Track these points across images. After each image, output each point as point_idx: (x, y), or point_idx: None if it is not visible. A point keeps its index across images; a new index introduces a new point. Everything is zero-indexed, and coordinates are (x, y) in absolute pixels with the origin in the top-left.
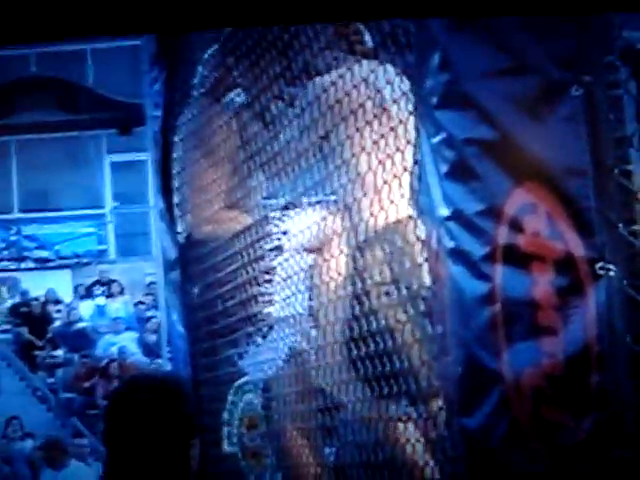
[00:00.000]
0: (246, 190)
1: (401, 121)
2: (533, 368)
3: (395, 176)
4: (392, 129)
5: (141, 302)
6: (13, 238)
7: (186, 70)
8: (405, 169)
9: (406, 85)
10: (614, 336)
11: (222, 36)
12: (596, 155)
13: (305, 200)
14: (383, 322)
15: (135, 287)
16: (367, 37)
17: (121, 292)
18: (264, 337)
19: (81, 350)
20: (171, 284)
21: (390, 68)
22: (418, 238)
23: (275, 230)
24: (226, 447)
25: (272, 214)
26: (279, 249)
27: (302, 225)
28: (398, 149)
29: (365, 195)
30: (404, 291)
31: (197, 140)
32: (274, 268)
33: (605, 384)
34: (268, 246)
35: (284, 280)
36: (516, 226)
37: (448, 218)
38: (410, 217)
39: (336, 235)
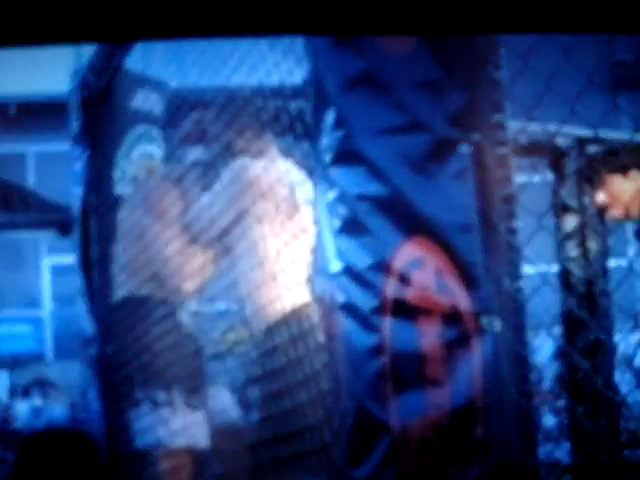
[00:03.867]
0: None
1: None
2: (420, 419)
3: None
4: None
5: (75, 404)
6: None
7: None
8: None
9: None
10: (499, 389)
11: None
12: (483, 212)
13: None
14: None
15: (71, 388)
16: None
17: (56, 393)
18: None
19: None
20: (88, 360)
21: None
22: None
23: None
24: None
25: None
26: None
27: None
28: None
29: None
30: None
31: (143, 198)
32: None
33: (490, 436)
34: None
35: None
36: (405, 280)
37: (340, 273)
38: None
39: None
